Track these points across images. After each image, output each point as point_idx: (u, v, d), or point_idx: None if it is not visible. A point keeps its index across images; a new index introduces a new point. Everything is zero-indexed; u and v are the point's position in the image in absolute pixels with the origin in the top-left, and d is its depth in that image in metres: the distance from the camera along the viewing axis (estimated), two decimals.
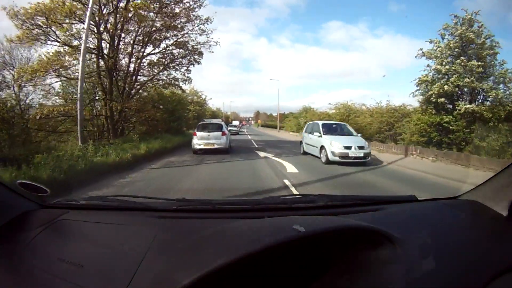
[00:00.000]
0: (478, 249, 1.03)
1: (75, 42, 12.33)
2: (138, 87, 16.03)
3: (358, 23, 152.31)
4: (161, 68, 15.86)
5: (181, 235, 1.05)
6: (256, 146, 15.97)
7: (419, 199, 1.56)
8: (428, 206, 1.53)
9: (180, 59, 16.16)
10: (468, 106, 12.44)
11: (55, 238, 1.09)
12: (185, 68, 16.28)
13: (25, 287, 0.85)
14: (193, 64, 16.22)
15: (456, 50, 12.99)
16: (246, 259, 0.77)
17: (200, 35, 15.47)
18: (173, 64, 16.06)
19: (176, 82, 16.78)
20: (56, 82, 13.67)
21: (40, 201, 1.29)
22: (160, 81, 16.60)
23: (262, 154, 11.47)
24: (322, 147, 9.41)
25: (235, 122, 49.69)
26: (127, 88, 14.73)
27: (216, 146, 10.96)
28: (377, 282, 0.89)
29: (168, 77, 16.42)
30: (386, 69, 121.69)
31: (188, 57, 16.15)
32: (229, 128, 16.38)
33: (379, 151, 13.15)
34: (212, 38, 15.65)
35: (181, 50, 15.88)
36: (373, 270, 0.93)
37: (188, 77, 16.62)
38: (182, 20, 14.93)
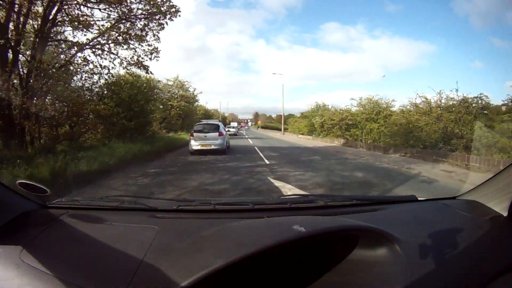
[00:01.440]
0: (478, 249, 1.04)
1: None
2: (63, 60, 9.43)
3: (355, 24, 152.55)
4: (107, 29, 9.55)
5: (181, 235, 1.05)
6: (267, 161, 9.06)
7: (419, 199, 1.57)
8: (428, 206, 1.53)
9: (143, 20, 9.87)
10: None
11: (55, 238, 1.09)
12: (152, 33, 10.13)
13: (25, 287, 0.85)
14: (163, 26, 10.19)
15: None
16: (246, 259, 0.77)
17: None
18: (134, 32, 9.93)
19: (140, 59, 10.31)
20: None
21: (40, 201, 1.29)
22: (105, 53, 9.90)
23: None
24: None
25: (233, 124, 48.41)
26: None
27: (213, 147, 10.94)
28: (377, 282, 0.90)
29: (119, 45, 9.94)
30: (385, 71, 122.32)
31: (157, 17, 9.95)
32: (226, 129, 16.01)
33: (481, 172, 7.42)
34: None
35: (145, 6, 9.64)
36: (373, 270, 0.93)
37: (154, 47, 10.36)
38: None
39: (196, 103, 31.78)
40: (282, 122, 40.98)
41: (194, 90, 28.41)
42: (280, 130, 45.53)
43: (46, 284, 0.84)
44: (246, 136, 30.36)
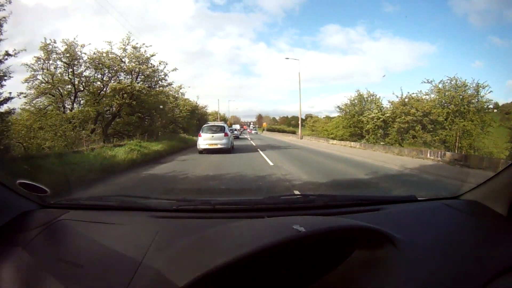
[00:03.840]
0: (478, 249, 1.03)
1: None
2: None
3: (355, 26, 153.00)
4: None
5: (181, 235, 1.05)
6: None
7: (419, 199, 1.56)
8: (428, 206, 1.53)
9: None
10: None
11: (55, 238, 1.10)
12: None
13: (25, 287, 0.85)
14: None
15: None
16: (246, 259, 0.77)
17: None
18: None
19: None
20: None
21: (40, 201, 1.30)
22: None
23: None
24: None
25: (236, 126, 47.62)
26: None
27: (219, 146, 11.89)
28: (377, 282, 0.89)
29: None
30: (386, 72, 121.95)
31: None
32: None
33: None
34: None
35: None
36: (373, 270, 0.93)
37: None
38: None
39: (181, 94, 21.37)
40: (300, 123, 30.71)
41: (164, 67, 14.98)
42: (291, 133, 39.48)
43: (46, 284, 0.84)
44: (253, 143, 20.67)
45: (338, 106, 21.27)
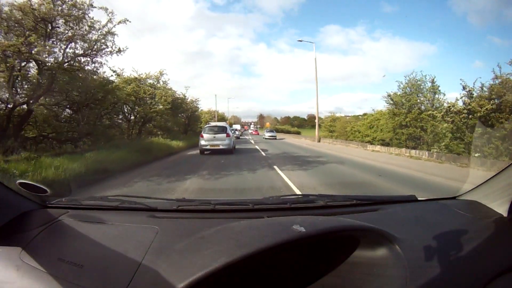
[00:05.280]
0: (478, 249, 1.03)
1: None
2: None
3: (355, 26, 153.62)
4: None
5: (181, 235, 1.05)
6: None
7: (419, 199, 1.56)
8: (428, 206, 1.52)
9: None
10: None
11: (55, 238, 1.09)
12: None
13: (25, 287, 0.85)
14: None
15: None
16: (246, 259, 0.77)
17: None
18: None
19: None
20: None
21: (40, 201, 1.29)
22: None
23: None
24: None
25: (236, 126, 46.68)
26: None
27: (221, 147, 11.99)
28: (377, 282, 0.89)
29: None
30: (386, 72, 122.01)
31: None
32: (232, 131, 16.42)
33: None
34: None
35: None
36: (373, 270, 0.93)
37: None
38: None
39: (163, 83, 16.08)
40: (317, 123, 25.57)
41: (108, 21, 9.23)
42: (296, 133, 36.34)
43: (46, 284, 0.85)
44: (258, 147, 15.76)
45: (389, 95, 14.76)
